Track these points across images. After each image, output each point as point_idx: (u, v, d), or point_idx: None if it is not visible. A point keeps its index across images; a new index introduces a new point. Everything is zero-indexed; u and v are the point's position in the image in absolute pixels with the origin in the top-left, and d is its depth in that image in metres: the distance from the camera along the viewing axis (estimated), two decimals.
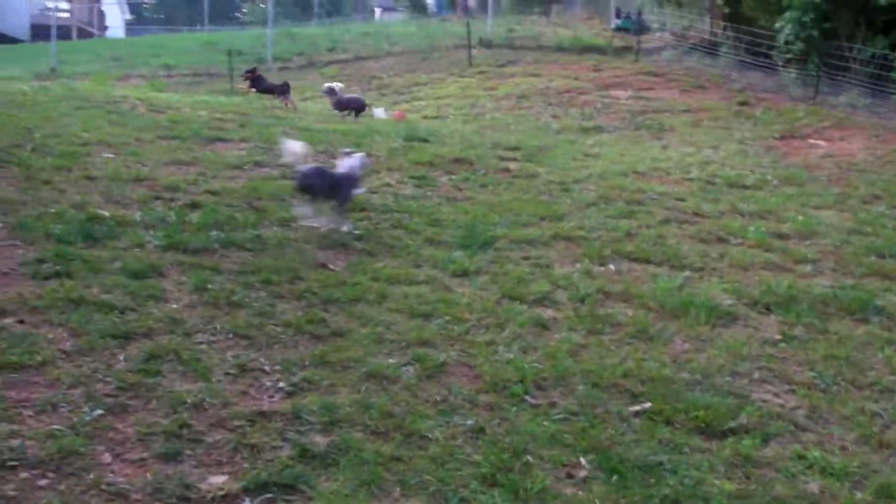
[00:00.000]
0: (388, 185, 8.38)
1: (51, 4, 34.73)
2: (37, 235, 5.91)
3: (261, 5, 45.78)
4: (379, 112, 12.93)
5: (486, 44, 21.41)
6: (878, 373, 5.04)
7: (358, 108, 13.47)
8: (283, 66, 21.10)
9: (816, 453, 4.07)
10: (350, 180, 6.87)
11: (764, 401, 4.59)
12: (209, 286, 5.36)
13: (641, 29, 21.01)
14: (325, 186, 6.68)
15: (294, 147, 6.98)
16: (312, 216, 6.79)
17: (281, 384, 4.26)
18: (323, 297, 5.39)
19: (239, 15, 53.31)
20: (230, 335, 4.75)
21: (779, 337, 5.46)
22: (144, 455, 3.56)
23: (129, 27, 51.74)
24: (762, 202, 8.75)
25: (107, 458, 3.53)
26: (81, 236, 5.96)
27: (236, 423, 3.87)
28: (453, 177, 8.91)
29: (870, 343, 5.46)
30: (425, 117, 14.32)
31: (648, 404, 4.40)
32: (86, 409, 3.85)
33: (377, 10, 49.93)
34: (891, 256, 7.20)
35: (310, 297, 5.37)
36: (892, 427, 4.45)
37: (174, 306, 5.04)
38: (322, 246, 6.40)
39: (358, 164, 7.00)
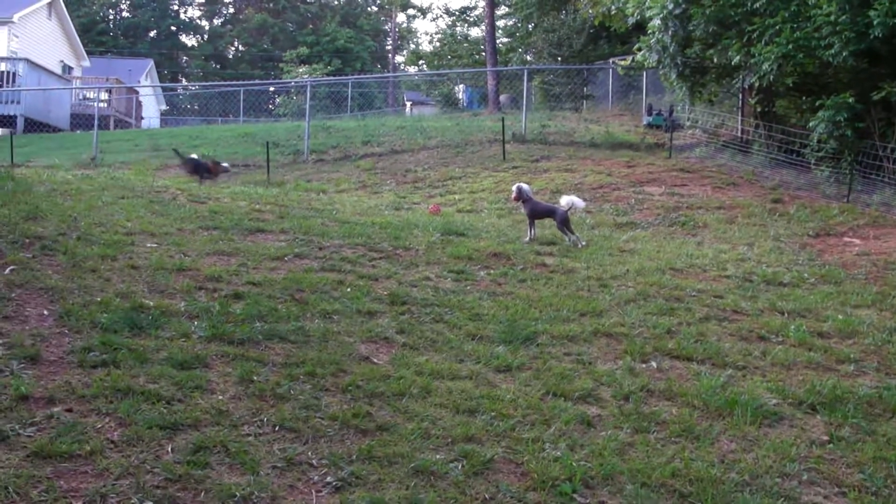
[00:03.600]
0: (428, 278, 8.44)
1: (91, 95, 35.62)
2: (83, 324, 6.00)
3: (293, 97, 46.56)
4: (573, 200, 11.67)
5: (519, 139, 21.63)
6: None
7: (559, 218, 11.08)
8: (319, 159, 21.38)
9: None
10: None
11: (814, 503, 4.54)
12: (254, 378, 5.41)
13: (673, 126, 21.20)
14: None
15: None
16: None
17: (328, 479, 4.25)
18: (367, 391, 5.41)
19: (272, 107, 54.23)
20: (276, 428, 4.76)
21: (826, 438, 5.40)
22: None
23: (164, 118, 52.86)
24: (801, 300, 8.72)
25: None
26: (127, 325, 6.03)
27: None
28: (492, 271, 8.97)
29: None
30: (460, 211, 14.43)
31: None
32: (134, 500, 3.87)
33: (408, 104, 50.74)
34: None
35: (354, 391, 5.39)
36: None
37: (220, 398, 5.08)
38: (365, 339, 6.44)
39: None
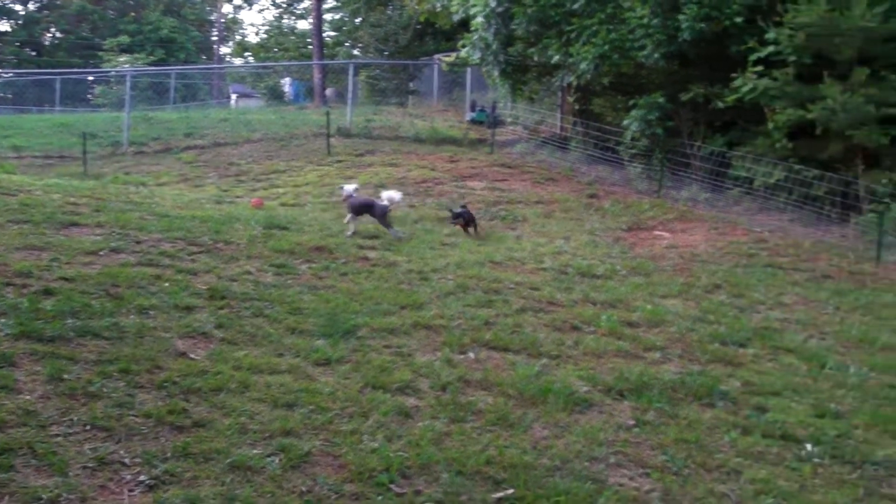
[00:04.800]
0: (249, 272, 8.35)
1: None
2: None
3: (113, 87, 44.87)
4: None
5: (344, 133, 21.59)
6: (724, 455, 5.28)
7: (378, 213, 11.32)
8: (139, 151, 20.76)
9: None
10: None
11: (620, 485, 4.75)
12: (65, 376, 5.23)
13: (496, 122, 21.59)
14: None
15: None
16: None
17: (142, 477, 4.17)
18: (184, 387, 5.32)
19: (91, 97, 52.16)
20: (87, 427, 4.63)
21: (632, 422, 5.67)
22: None
23: None
24: (612, 291, 9.08)
25: None
26: None
27: None
28: (313, 265, 8.95)
29: (716, 427, 5.72)
30: (283, 205, 14.29)
31: (511, 491, 4.49)
32: None
33: (233, 97, 49.81)
34: (733, 343, 7.57)
35: (170, 387, 5.29)
36: None
37: (27, 397, 4.89)
38: (182, 334, 6.32)
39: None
